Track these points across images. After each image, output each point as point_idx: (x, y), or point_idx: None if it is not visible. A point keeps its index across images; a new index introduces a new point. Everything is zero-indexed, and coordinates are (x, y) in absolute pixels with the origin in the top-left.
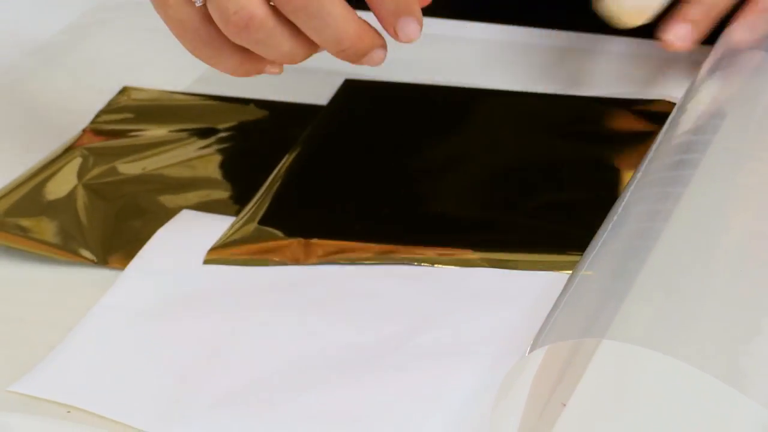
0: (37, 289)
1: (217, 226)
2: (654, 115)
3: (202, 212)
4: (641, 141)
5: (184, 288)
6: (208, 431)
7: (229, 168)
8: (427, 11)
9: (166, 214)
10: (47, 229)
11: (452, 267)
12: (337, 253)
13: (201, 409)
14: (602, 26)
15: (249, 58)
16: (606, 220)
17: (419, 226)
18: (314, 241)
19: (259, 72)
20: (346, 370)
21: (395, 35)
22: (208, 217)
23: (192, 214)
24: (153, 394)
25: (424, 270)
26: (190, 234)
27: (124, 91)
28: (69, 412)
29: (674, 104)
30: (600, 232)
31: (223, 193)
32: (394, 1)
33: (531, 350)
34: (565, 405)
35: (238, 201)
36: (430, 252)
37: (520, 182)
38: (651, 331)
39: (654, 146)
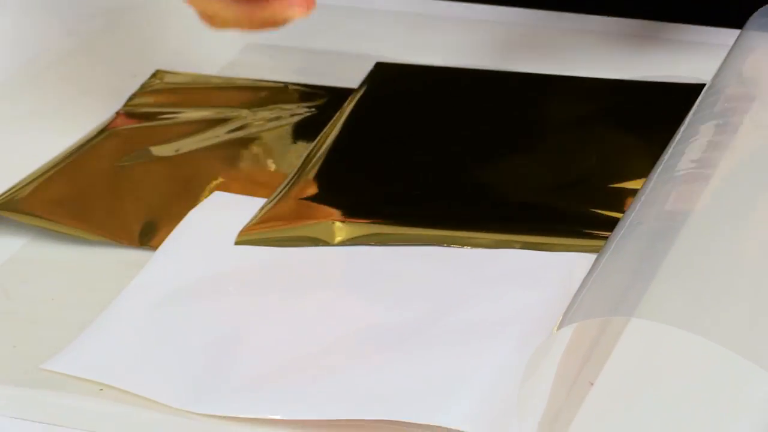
0: (71, 270)
1: (249, 207)
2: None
3: (234, 194)
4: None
5: (216, 268)
6: (237, 409)
7: (261, 150)
8: None
9: (198, 196)
10: (81, 210)
11: (481, 249)
12: (368, 234)
13: (230, 387)
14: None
15: None
16: (634, 200)
17: (452, 207)
18: (346, 221)
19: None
20: (375, 350)
21: None
22: (239, 198)
23: (224, 196)
24: (183, 372)
25: (453, 251)
26: (221, 215)
27: (157, 74)
28: (101, 390)
29: (702, 86)
30: (628, 211)
31: (255, 175)
32: None
33: (558, 328)
34: (592, 384)
35: (270, 183)
36: (463, 233)
37: (557, 165)
38: (680, 311)
39: (682, 127)
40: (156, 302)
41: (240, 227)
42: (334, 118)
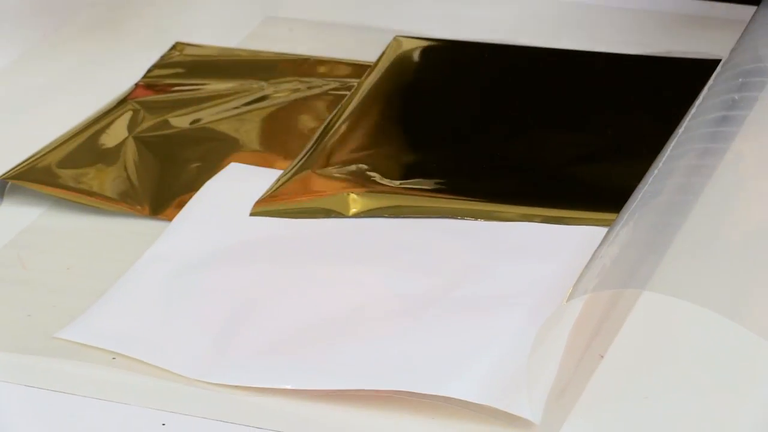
0: (86, 240)
1: (265, 179)
2: (705, 73)
3: (250, 165)
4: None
5: (230, 239)
6: (249, 378)
7: (279, 122)
8: None
9: (215, 167)
10: (98, 180)
11: (495, 222)
12: (383, 206)
13: (243, 356)
14: None
15: None
16: (648, 173)
17: (468, 180)
18: (361, 193)
19: None
20: (387, 321)
21: None
22: (255, 170)
23: (240, 167)
24: (195, 341)
25: (467, 224)
26: (237, 186)
27: (177, 46)
28: (114, 358)
29: (718, 61)
30: (640, 185)
31: (272, 147)
32: None
33: (569, 299)
34: (602, 357)
35: (287, 155)
36: (479, 206)
37: (574, 139)
38: (692, 284)
39: (697, 102)
40: (170, 272)
41: (256, 198)
42: (352, 91)
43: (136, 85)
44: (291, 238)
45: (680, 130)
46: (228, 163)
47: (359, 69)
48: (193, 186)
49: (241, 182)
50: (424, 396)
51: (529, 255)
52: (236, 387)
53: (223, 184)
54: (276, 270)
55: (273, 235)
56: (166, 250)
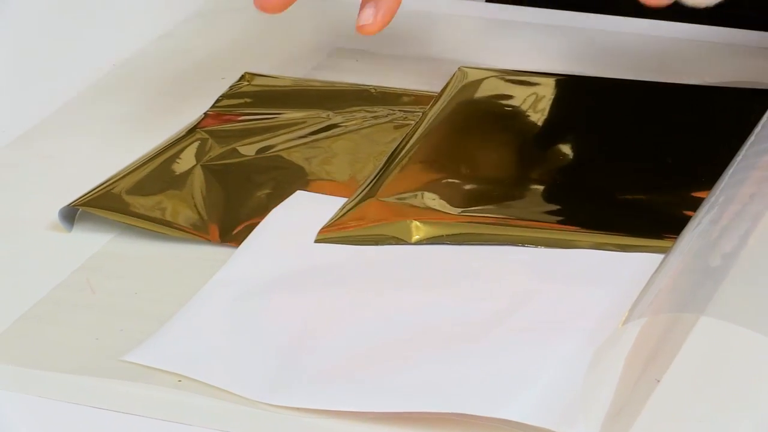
0: (154, 266)
1: (330, 206)
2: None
3: (316, 193)
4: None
5: (295, 265)
6: (310, 401)
7: (346, 151)
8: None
9: (282, 195)
10: (166, 208)
11: (553, 249)
12: (446, 234)
13: (305, 379)
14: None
15: None
16: (705, 200)
17: (532, 208)
18: (425, 221)
19: None
20: (444, 345)
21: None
22: (321, 198)
23: (306, 195)
24: (259, 364)
25: (525, 250)
26: (303, 214)
27: (245, 76)
28: (180, 381)
29: None
30: (698, 212)
31: (338, 176)
32: None
33: (625, 323)
34: (659, 381)
35: (352, 183)
36: (539, 233)
37: (641, 170)
38: (750, 311)
39: (756, 130)
40: (236, 297)
41: (320, 226)
42: (417, 120)
43: (205, 114)
44: (354, 265)
45: (738, 157)
46: (294, 191)
47: (424, 99)
48: (260, 213)
49: (306, 210)
50: (481, 419)
51: (587, 281)
52: (298, 409)
53: (289, 211)
54: (338, 295)
55: (336, 261)
56: (232, 276)
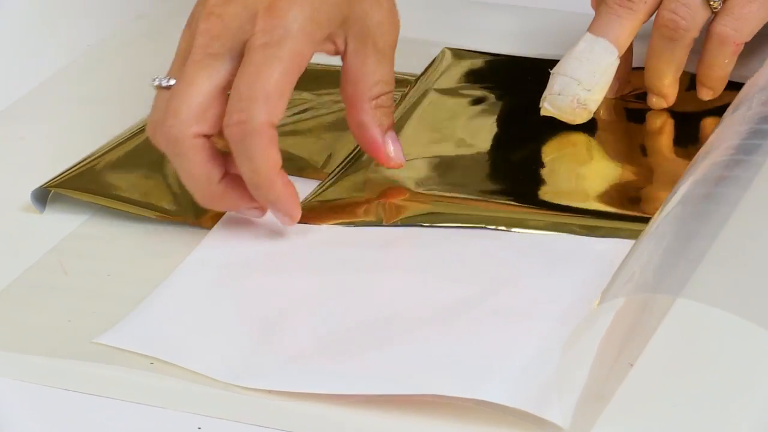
0: (127, 247)
1: (304, 188)
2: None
3: (291, 175)
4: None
5: (269, 246)
6: (283, 383)
7: (320, 132)
8: None
9: None
10: (140, 189)
11: (527, 231)
12: (420, 214)
13: (277, 361)
14: None
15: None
16: (681, 180)
17: (504, 188)
18: (398, 200)
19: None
20: (421, 327)
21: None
22: (295, 180)
23: None
24: (231, 347)
25: (501, 234)
26: None
27: None
28: (152, 363)
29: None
30: (672, 195)
31: (315, 158)
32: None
33: (599, 304)
34: (632, 365)
35: (330, 164)
36: (513, 213)
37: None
38: (726, 293)
39: (728, 113)
40: (209, 279)
41: None
42: (397, 101)
43: None
44: (329, 245)
45: (711, 140)
46: None
47: (405, 81)
48: None
49: None
50: (455, 399)
51: (560, 264)
52: (270, 391)
53: None
54: (312, 277)
55: (311, 242)
56: (205, 257)
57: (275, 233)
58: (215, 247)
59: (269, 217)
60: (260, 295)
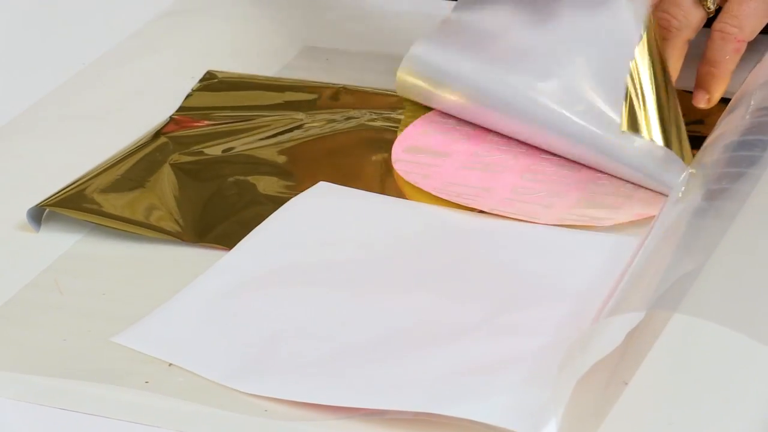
0: (122, 266)
1: (350, 197)
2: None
3: (338, 185)
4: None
5: (290, 260)
6: (282, 389)
7: (314, 151)
8: None
9: (253, 194)
10: (135, 207)
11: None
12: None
13: (278, 370)
14: None
15: None
16: (673, 191)
17: None
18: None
19: None
20: (419, 346)
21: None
22: (343, 189)
23: (329, 186)
24: (236, 352)
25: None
26: (321, 204)
27: (210, 74)
28: (147, 382)
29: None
30: (665, 205)
31: (312, 175)
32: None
33: (596, 321)
34: (626, 383)
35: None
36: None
37: None
38: (723, 309)
39: (717, 128)
40: (231, 287)
41: (338, 217)
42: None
43: (171, 117)
44: (351, 263)
45: (703, 152)
46: (267, 190)
47: (398, 99)
48: (228, 213)
49: (326, 200)
50: (447, 418)
51: (561, 266)
52: (269, 398)
53: (308, 200)
54: (329, 294)
55: (335, 257)
56: (229, 265)
57: (297, 247)
58: (240, 258)
59: (307, 226)
60: (272, 305)
